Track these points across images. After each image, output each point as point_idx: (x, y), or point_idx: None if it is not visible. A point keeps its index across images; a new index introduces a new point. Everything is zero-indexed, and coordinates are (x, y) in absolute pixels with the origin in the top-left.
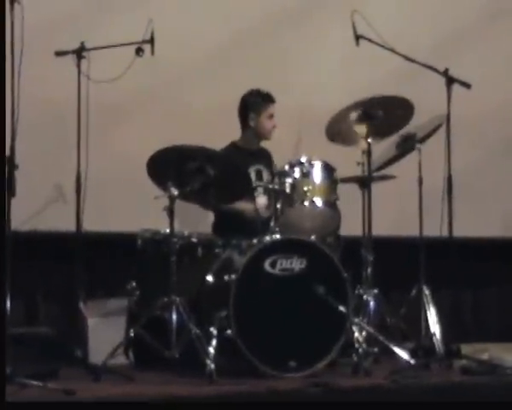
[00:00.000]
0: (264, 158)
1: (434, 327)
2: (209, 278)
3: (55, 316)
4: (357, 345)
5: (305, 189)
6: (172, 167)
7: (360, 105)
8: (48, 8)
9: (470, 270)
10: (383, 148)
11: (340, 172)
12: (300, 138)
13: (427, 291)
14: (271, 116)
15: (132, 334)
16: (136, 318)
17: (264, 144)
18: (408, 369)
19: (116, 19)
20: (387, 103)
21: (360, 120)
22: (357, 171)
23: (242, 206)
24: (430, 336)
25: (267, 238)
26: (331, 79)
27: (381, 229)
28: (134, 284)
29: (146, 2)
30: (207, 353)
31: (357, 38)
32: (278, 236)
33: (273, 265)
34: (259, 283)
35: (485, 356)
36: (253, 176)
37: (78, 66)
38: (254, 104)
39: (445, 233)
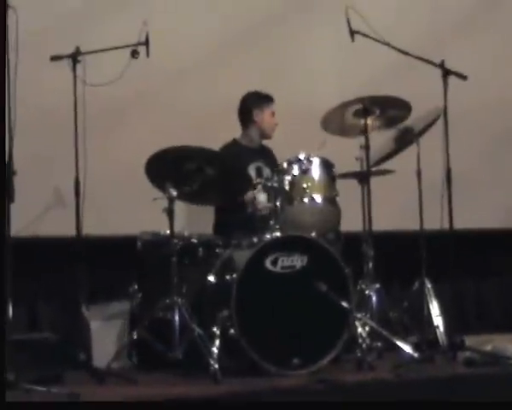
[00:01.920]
0: (266, 155)
1: (437, 320)
2: (210, 278)
3: (58, 321)
4: (360, 340)
5: (305, 185)
6: (171, 168)
7: (358, 102)
8: (42, 14)
9: (471, 262)
10: (381, 142)
11: (339, 168)
12: (298, 136)
13: (428, 284)
14: (273, 114)
15: (135, 336)
16: (139, 320)
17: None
18: (412, 363)
19: (110, 22)
20: (385, 103)
21: (357, 115)
22: (356, 166)
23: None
24: (433, 329)
25: (267, 236)
26: (327, 75)
27: (381, 223)
28: (135, 286)
29: (140, 4)
30: (211, 353)
31: (352, 33)
32: (278, 233)
33: (274, 263)
34: (261, 281)
35: (488, 348)
36: (253, 173)
37: (74, 70)
38: (257, 101)
39: (445, 226)
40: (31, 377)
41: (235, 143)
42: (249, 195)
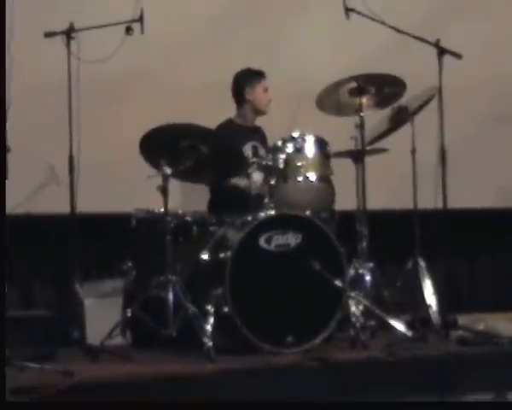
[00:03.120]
0: (260, 135)
1: (430, 299)
2: (204, 256)
3: (51, 298)
4: (353, 319)
5: (299, 164)
6: (165, 146)
7: (353, 80)
8: None
9: (465, 241)
10: (376, 121)
11: (334, 147)
12: (292, 114)
13: (422, 263)
14: (266, 90)
15: (129, 314)
16: (133, 298)
17: (258, 120)
18: (405, 341)
19: None
20: (380, 80)
21: (352, 93)
22: (351, 145)
23: (237, 181)
24: (426, 307)
25: (262, 214)
26: (322, 53)
27: (375, 202)
28: (129, 264)
29: None
30: (204, 331)
31: (347, 10)
32: (273, 212)
33: (268, 241)
34: (255, 259)
35: (481, 326)
36: (249, 152)
37: (68, 46)
38: (248, 79)
39: (439, 205)
40: (25, 354)
41: (230, 122)
42: (243, 182)
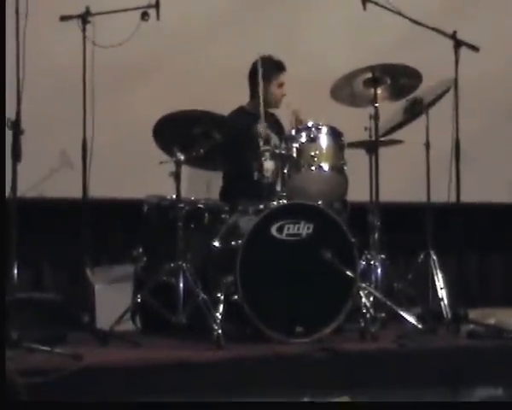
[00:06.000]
0: (273, 123)
1: (441, 292)
2: (216, 243)
3: (62, 282)
4: (364, 310)
5: (312, 153)
6: (178, 132)
7: (368, 70)
8: None
9: (477, 235)
10: (391, 113)
11: (348, 137)
12: (307, 103)
13: (434, 256)
14: (281, 85)
15: (139, 300)
16: (143, 284)
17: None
18: (415, 334)
19: None
20: (396, 71)
21: (367, 84)
22: (365, 136)
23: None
24: (437, 301)
25: (274, 203)
26: (338, 43)
27: (388, 194)
28: (140, 250)
29: None
30: (214, 318)
31: (364, 1)
32: (285, 201)
33: (280, 230)
34: (266, 248)
35: (491, 321)
36: (260, 140)
37: (84, 31)
38: (265, 72)
39: (452, 198)
40: (34, 336)
41: (241, 109)
42: (262, 129)
